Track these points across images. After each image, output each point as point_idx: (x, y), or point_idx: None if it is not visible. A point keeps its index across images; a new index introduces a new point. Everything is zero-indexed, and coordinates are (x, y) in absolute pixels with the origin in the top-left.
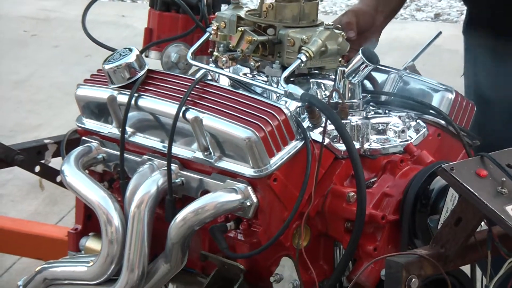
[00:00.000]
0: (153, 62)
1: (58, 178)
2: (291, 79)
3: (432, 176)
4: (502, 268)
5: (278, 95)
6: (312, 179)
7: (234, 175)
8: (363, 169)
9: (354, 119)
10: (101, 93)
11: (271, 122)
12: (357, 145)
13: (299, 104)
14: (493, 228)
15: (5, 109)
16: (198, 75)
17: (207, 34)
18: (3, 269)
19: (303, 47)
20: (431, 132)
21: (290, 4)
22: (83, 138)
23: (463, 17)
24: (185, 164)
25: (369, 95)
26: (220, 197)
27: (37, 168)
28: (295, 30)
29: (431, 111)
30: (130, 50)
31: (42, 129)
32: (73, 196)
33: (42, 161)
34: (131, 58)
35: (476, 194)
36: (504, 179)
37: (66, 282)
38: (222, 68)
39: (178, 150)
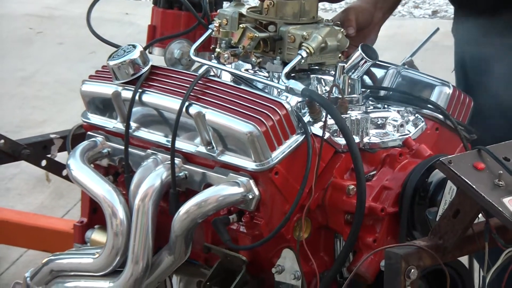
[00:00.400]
0: (156, 58)
1: (64, 172)
2: (292, 74)
3: (431, 169)
4: (499, 259)
5: (279, 90)
6: (312, 172)
7: (236, 169)
8: (363, 162)
9: (354, 114)
10: (106, 89)
11: (272, 117)
12: (356, 139)
13: (300, 99)
14: (490, 220)
15: (10, 105)
16: (200, 71)
17: (209, 31)
18: (10, 261)
19: (303, 43)
20: (429, 126)
21: (291, 1)
22: (89, 133)
23: None
24: (188, 158)
25: (368, 90)
26: (223, 190)
27: (44, 162)
28: (295, 26)
29: (429, 105)
30: (134, 46)
31: (47, 125)
32: (78, 190)
33: (48, 156)
34: (135, 54)
35: (474, 186)
36: (501, 171)
37: (72, 273)
38: (224, 64)
39: (182, 144)
